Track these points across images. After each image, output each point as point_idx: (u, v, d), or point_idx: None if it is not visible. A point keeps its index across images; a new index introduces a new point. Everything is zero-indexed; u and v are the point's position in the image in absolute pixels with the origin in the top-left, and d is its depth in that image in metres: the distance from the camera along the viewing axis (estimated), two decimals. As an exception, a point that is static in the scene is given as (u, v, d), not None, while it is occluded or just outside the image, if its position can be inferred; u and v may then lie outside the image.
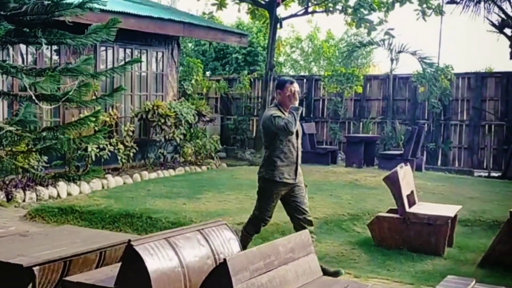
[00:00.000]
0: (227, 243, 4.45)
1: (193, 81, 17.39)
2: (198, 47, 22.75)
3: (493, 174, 15.12)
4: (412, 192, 7.75)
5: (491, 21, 15.65)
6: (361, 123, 18.19)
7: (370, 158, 14.95)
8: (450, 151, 16.96)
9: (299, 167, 6.47)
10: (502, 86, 16.52)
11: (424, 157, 16.37)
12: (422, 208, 7.65)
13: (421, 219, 7.27)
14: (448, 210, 7.59)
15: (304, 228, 6.01)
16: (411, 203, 7.63)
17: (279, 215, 8.42)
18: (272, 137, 6.34)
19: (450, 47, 30.09)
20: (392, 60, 18.08)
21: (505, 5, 15.47)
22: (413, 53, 17.44)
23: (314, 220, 8.35)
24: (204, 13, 21.97)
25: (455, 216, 7.61)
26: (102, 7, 5.55)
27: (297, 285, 4.19)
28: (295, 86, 6.45)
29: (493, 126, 16.53)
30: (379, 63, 26.43)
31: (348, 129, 18.47)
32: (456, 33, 30.27)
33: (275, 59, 19.49)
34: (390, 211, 7.73)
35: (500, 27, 15.45)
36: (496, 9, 15.60)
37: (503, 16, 15.39)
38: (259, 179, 6.53)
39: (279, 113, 6.26)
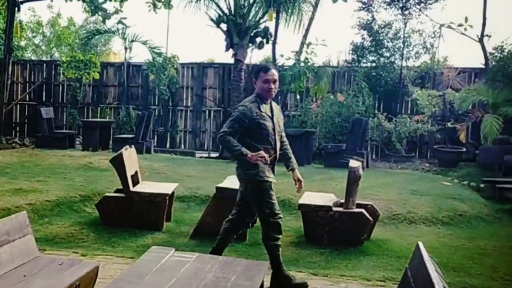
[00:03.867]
0: None
1: None
2: None
3: (213, 155, 15.83)
4: (136, 172, 7.77)
5: (210, 17, 16.48)
6: (98, 108, 17.99)
7: (106, 142, 14.91)
8: (177, 134, 17.56)
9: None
10: (219, 75, 17.50)
11: (155, 140, 16.82)
12: (145, 187, 7.73)
13: (143, 197, 7.35)
14: (166, 188, 7.77)
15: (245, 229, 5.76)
16: (135, 182, 7.68)
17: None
18: (241, 133, 5.33)
19: (178, 38, 31.00)
20: (126, 48, 18.12)
21: (221, 3, 16.38)
22: (144, 43, 17.65)
23: (46, 203, 8.26)
24: None
25: (173, 193, 7.91)
26: None
27: (13, 266, 4.07)
28: (271, 74, 5.39)
29: (212, 111, 17.50)
30: (120, 51, 26.25)
31: (87, 114, 18.14)
32: (183, 26, 31.24)
33: (16, 43, 18.35)
34: (117, 191, 7.72)
35: (217, 22, 16.31)
36: (214, 6, 16.46)
37: (219, 12, 16.28)
38: (240, 181, 5.52)
39: (246, 112, 5.27)
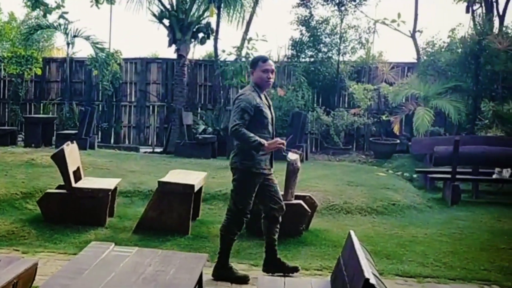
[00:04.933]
0: None
1: None
2: None
3: (157, 149, 15.67)
4: (78, 168, 7.60)
5: (152, 12, 16.30)
6: (41, 104, 17.57)
7: (49, 138, 14.56)
8: (121, 130, 17.34)
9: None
10: (163, 71, 17.35)
11: (99, 136, 16.56)
12: (87, 182, 7.59)
13: (85, 193, 7.22)
14: (109, 183, 7.66)
15: (277, 217, 5.58)
16: (78, 178, 7.52)
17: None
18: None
19: (121, 34, 30.50)
20: (68, 44, 17.72)
21: (164, -2, 16.21)
22: (87, 38, 17.29)
23: (-15, 201, 8.00)
24: None
25: (116, 188, 7.81)
26: None
27: None
28: (269, 64, 5.42)
29: (156, 107, 17.33)
30: (63, 46, 25.60)
31: (29, 110, 17.67)
32: (126, 21, 30.73)
33: None
34: (59, 187, 7.55)
35: (159, 18, 16.15)
36: (157, 1, 16.22)
37: (162, 7, 16.12)
38: (233, 170, 5.43)
39: (250, 100, 5.24)
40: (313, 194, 8.00)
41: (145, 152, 15.10)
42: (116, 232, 7.12)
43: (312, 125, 15.39)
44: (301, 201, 7.07)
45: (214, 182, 9.46)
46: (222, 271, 5.50)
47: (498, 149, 10.10)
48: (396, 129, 14.33)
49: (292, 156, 7.01)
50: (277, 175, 9.84)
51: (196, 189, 7.22)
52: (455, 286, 5.64)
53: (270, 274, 5.50)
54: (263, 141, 5.18)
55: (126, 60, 17.38)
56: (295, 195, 7.15)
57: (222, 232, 5.54)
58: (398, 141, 14.52)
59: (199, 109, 16.83)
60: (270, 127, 5.42)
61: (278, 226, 5.68)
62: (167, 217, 7.08)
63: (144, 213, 7.20)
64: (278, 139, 5.29)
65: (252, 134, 5.18)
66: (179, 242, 6.74)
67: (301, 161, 7.25)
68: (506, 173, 10.31)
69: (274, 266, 5.60)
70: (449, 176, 9.80)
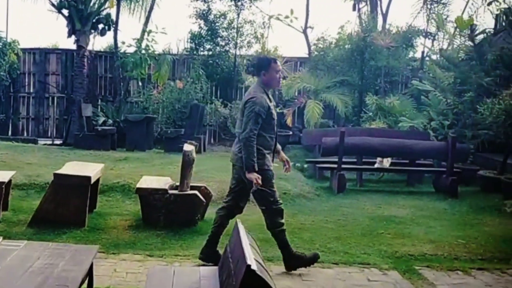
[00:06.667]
0: None
1: None
2: None
3: (57, 142, 15.14)
4: (-30, 163, 7.35)
5: (51, 1, 15.62)
6: None
7: None
8: (19, 121, 16.56)
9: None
10: (62, 61, 16.70)
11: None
12: (-22, 176, 7.22)
13: (-23, 186, 6.87)
14: (2, 176, 7.33)
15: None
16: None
17: None
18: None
19: (19, 23, 29.01)
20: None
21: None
22: (-23, 29, 16.35)
23: None
24: None
25: (10, 181, 7.50)
26: None
27: None
28: (279, 65, 5.53)
29: (56, 98, 16.65)
30: None
31: None
32: (24, 10, 29.29)
33: None
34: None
35: (58, 8, 15.51)
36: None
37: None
38: (241, 169, 5.36)
39: (263, 103, 5.24)
40: (209, 184, 8.04)
41: (44, 144, 14.53)
42: (10, 226, 6.84)
43: (210, 117, 15.40)
44: (196, 192, 7.11)
45: (112, 174, 9.29)
46: (293, 261, 5.63)
47: (380, 140, 10.55)
48: (289, 121, 14.63)
49: (188, 147, 7.02)
50: (175, 165, 9.93)
51: (92, 181, 7.06)
52: (337, 270, 5.84)
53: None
54: (256, 168, 5.21)
55: (24, 50, 16.53)
56: (191, 186, 7.18)
57: (270, 229, 5.55)
58: (291, 132, 14.84)
59: (99, 100, 16.36)
60: (275, 128, 5.47)
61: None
62: (63, 209, 6.88)
63: (40, 206, 6.97)
64: (259, 180, 5.22)
65: (255, 154, 5.22)
66: (75, 234, 6.59)
67: (199, 152, 7.27)
68: (386, 162, 10.83)
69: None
70: (335, 166, 10.12)
